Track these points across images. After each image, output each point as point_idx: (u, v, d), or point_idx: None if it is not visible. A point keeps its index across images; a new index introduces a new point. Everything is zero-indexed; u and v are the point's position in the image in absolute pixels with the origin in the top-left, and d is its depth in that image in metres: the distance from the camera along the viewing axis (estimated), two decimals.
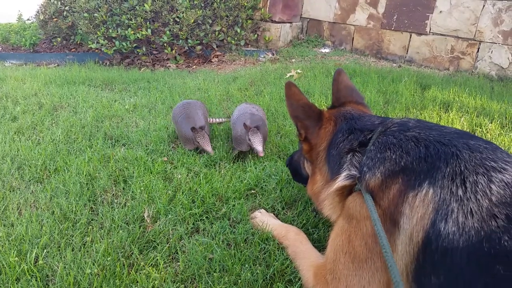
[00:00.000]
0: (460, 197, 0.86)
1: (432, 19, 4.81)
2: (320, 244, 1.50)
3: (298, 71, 4.20)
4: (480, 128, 2.69)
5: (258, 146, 2.09)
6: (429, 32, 4.87)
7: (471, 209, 0.83)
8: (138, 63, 5.00)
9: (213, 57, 5.26)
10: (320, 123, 1.33)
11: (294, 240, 1.48)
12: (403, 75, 4.06)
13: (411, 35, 5.04)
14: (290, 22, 5.91)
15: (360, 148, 1.17)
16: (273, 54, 5.47)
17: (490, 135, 2.58)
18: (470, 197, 0.85)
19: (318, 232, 1.58)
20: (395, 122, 1.18)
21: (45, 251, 1.43)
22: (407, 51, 5.11)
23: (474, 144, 0.97)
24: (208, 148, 2.16)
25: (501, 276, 0.74)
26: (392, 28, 5.18)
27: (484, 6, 4.43)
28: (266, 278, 1.34)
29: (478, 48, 4.57)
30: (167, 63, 5.02)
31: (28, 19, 6.38)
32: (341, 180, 1.16)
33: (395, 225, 0.96)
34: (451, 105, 3.10)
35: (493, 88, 3.86)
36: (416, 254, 0.89)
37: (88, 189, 1.85)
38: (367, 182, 1.07)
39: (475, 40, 4.57)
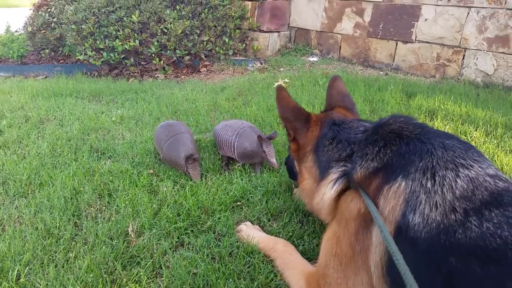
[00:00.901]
0: (429, 189, 0.92)
1: (417, 27, 4.86)
2: (305, 257, 1.50)
3: (286, 80, 4.22)
4: (465, 135, 2.72)
5: (272, 159, 2.10)
6: (415, 40, 4.92)
7: (436, 201, 0.89)
8: (127, 74, 4.99)
9: (201, 67, 5.27)
10: (308, 125, 1.38)
11: (283, 251, 1.49)
12: (389, 83, 4.10)
13: (397, 43, 5.09)
14: (278, 31, 5.94)
15: (348, 158, 1.21)
16: (261, 63, 5.49)
17: (475, 142, 2.61)
18: (437, 190, 0.91)
19: (303, 244, 1.59)
20: (376, 124, 1.23)
21: (27, 268, 1.42)
22: (394, 59, 5.16)
23: (449, 143, 1.02)
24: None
25: (454, 268, 0.79)
26: (379, 37, 5.23)
27: (468, 13, 4.49)
28: None
29: (464, 55, 4.62)
30: (156, 74, 5.02)
31: (16, 31, 6.36)
32: (335, 186, 1.20)
33: (371, 217, 1.01)
34: (436, 113, 3.13)
35: (479, 95, 3.91)
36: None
37: (72, 203, 1.83)
38: (355, 178, 1.12)
39: (461, 47, 4.62)
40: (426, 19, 4.78)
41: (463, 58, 4.62)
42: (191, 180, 2.05)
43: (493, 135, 2.76)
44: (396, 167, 1.01)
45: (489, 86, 4.36)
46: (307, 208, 1.44)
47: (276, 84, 4.10)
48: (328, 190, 1.21)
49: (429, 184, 0.92)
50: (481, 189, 0.88)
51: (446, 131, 2.66)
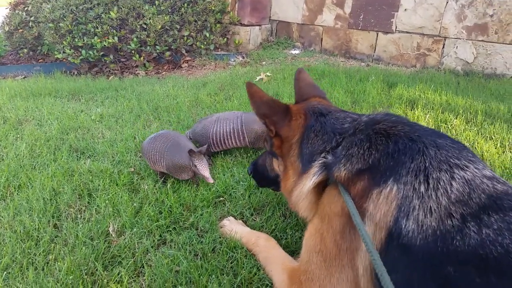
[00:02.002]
0: (422, 194, 0.87)
1: (397, 17, 4.89)
2: (288, 250, 1.50)
3: (268, 74, 4.20)
4: (445, 124, 2.74)
5: (206, 172, 1.91)
6: (395, 30, 4.95)
7: (431, 207, 0.85)
8: (107, 72, 4.93)
9: (183, 63, 5.23)
10: (289, 117, 1.30)
11: (265, 246, 1.48)
12: (370, 74, 4.11)
13: (377, 34, 5.12)
14: (260, 25, 5.92)
15: (333, 150, 1.15)
16: (243, 58, 5.47)
17: (455, 130, 2.63)
18: (431, 194, 0.86)
19: (286, 238, 1.59)
20: (363, 120, 1.18)
21: (5, 272, 1.39)
22: (375, 50, 5.18)
23: (441, 142, 0.98)
24: (206, 173, 1.89)
25: (452, 277, 0.75)
26: (359, 28, 5.25)
27: (447, 2, 4.52)
28: (234, 287, 1.34)
29: (444, 44, 4.66)
30: (136, 71, 4.96)
31: None
32: (314, 178, 1.15)
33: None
34: (417, 103, 3.15)
35: (459, 83, 3.95)
36: (379, 251, 0.89)
37: (52, 205, 1.80)
38: (337, 176, 1.06)
39: (440, 37, 4.66)
40: (405, 9, 4.81)
41: (443, 47, 4.66)
42: (203, 181, 1.96)
43: (473, 122, 2.79)
44: (385, 169, 0.96)
45: (469, 74, 4.41)
46: (290, 206, 1.38)
47: (258, 78, 4.09)
48: (308, 181, 1.17)
49: (422, 188, 0.88)
50: (478, 192, 0.85)
51: (427, 120, 2.70)
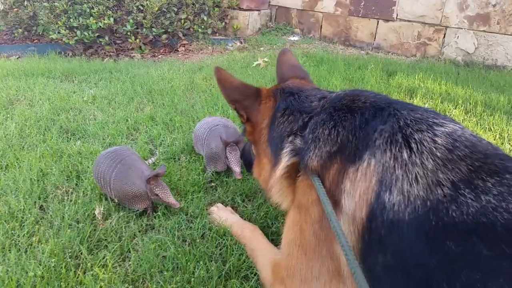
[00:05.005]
0: (405, 160, 0.79)
1: (399, 5, 4.81)
2: (279, 237, 1.45)
3: (265, 59, 4.14)
4: (445, 113, 2.69)
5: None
6: (396, 18, 4.87)
7: (416, 174, 0.76)
8: (102, 53, 4.84)
9: (179, 46, 5.15)
10: (259, 100, 1.24)
11: (250, 237, 1.44)
12: (369, 62, 4.05)
13: (378, 22, 5.04)
14: (259, 10, 5.83)
15: (300, 131, 1.08)
16: (241, 43, 5.38)
17: None
18: (415, 160, 0.79)
19: (277, 225, 1.55)
20: (329, 97, 1.11)
21: None
22: (375, 38, 5.11)
23: (413, 107, 0.93)
24: (171, 199, 1.57)
25: (454, 253, 0.66)
26: (360, 15, 5.17)
27: None
28: (222, 274, 1.30)
29: (445, 34, 4.60)
30: (132, 53, 4.88)
31: None
32: (284, 162, 1.08)
33: (337, 205, 0.89)
34: (416, 92, 3.10)
35: (459, 74, 3.90)
36: (361, 233, 0.82)
37: (39, 186, 1.75)
38: (309, 165, 0.99)
39: (442, 26, 4.60)
40: None
41: (444, 37, 4.60)
42: (166, 208, 1.63)
43: (473, 113, 2.74)
44: (357, 144, 0.89)
45: (469, 65, 4.35)
46: (264, 192, 1.31)
47: (255, 63, 4.03)
48: (277, 170, 1.10)
49: (405, 154, 0.80)
50: (464, 145, 0.78)
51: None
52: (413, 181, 0.76)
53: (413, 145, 0.81)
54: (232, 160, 1.79)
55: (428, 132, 0.82)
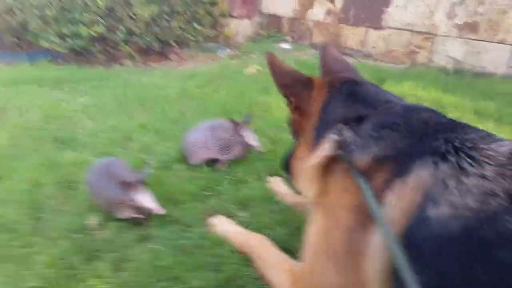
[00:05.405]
0: (455, 172, 0.75)
1: (388, 13, 4.87)
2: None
3: (257, 67, 4.16)
4: None
5: (255, 142, 1.95)
6: (386, 26, 4.93)
7: (467, 185, 0.72)
8: (93, 61, 4.83)
9: (171, 54, 5.15)
10: (311, 88, 1.20)
11: (257, 248, 1.36)
12: (360, 69, 4.07)
13: (368, 30, 5.10)
14: (250, 18, 5.86)
15: (354, 122, 1.02)
16: (232, 50, 5.41)
17: None
18: (466, 171, 0.75)
19: (274, 234, 1.53)
20: (400, 103, 1.07)
21: None
22: (365, 46, 5.16)
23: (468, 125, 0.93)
24: (152, 204, 1.53)
25: (509, 265, 0.63)
26: (350, 23, 5.22)
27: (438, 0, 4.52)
28: (218, 284, 1.30)
29: (433, 42, 4.66)
30: (124, 61, 4.87)
31: None
32: (324, 150, 1.02)
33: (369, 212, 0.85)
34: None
35: (448, 81, 3.94)
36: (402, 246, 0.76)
37: (33, 196, 1.75)
38: (356, 163, 0.93)
39: (431, 34, 4.66)
40: (397, 5, 4.79)
41: (433, 45, 4.66)
42: (162, 217, 1.59)
43: (462, 120, 2.77)
44: (408, 154, 0.85)
45: (458, 72, 4.41)
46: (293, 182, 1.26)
47: (246, 70, 4.05)
48: (316, 156, 1.04)
49: (456, 166, 0.76)
50: None
51: None
52: (464, 193, 0.72)
53: (465, 158, 0.78)
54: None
55: (482, 145, 0.79)
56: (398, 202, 0.80)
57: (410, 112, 0.98)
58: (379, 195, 0.84)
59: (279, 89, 1.24)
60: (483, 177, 0.73)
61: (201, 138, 2.02)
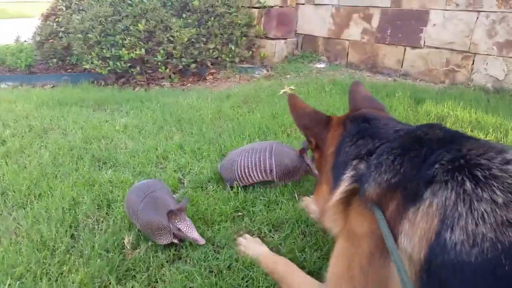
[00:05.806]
0: (469, 195, 0.73)
1: (426, 32, 4.79)
2: (306, 271, 1.43)
3: (292, 87, 4.17)
4: None
5: (193, 233, 1.60)
6: (424, 45, 4.85)
7: (483, 211, 0.69)
8: (133, 83, 4.99)
9: (207, 75, 5.25)
10: (328, 128, 1.23)
11: (285, 271, 1.38)
12: (397, 89, 4.03)
13: (405, 49, 5.03)
14: (285, 38, 5.90)
15: (367, 156, 1.03)
16: (268, 71, 5.46)
17: None
18: (481, 194, 0.72)
19: (305, 257, 1.53)
20: (405, 128, 1.07)
21: (19, 282, 1.38)
22: (402, 65, 5.09)
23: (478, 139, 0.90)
24: (195, 235, 1.58)
25: None
26: (386, 42, 5.17)
27: (477, 18, 4.41)
28: None
29: (473, 61, 4.54)
30: (162, 82, 5.00)
31: (25, 41, 6.40)
32: (343, 186, 1.04)
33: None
34: (445, 120, 3.06)
35: (489, 101, 3.82)
36: (419, 274, 0.76)
37: (70, 214, 1.80)
38: (368, 193, 0.94)
39: (470, 53, 4.54)
40: (434, 24, 4.71)
41: (473, 64, 4.54)
42: (191, 244, 1.60)
43: (503, 141, 2.68)
44: (419, 178, 0.84)
45: (499, 92, 4.27)
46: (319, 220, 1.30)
47: (282, 91, 4.06)
48: (334, 196, 1.06)
49: (468, 186, 0.73)
50: None
51: None
52: (479, 219, 0.69)
53: (479, 176, 0.75)
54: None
55: (496, 161, 0.77)
56: (416, 230, 0.79)
57: (416, 135, 0.98)
58: (395, 222, 0.85)
59: (300, 130, 1.30)
60: (495, 202, 0.70)
61: (257, 161, 1.98)
